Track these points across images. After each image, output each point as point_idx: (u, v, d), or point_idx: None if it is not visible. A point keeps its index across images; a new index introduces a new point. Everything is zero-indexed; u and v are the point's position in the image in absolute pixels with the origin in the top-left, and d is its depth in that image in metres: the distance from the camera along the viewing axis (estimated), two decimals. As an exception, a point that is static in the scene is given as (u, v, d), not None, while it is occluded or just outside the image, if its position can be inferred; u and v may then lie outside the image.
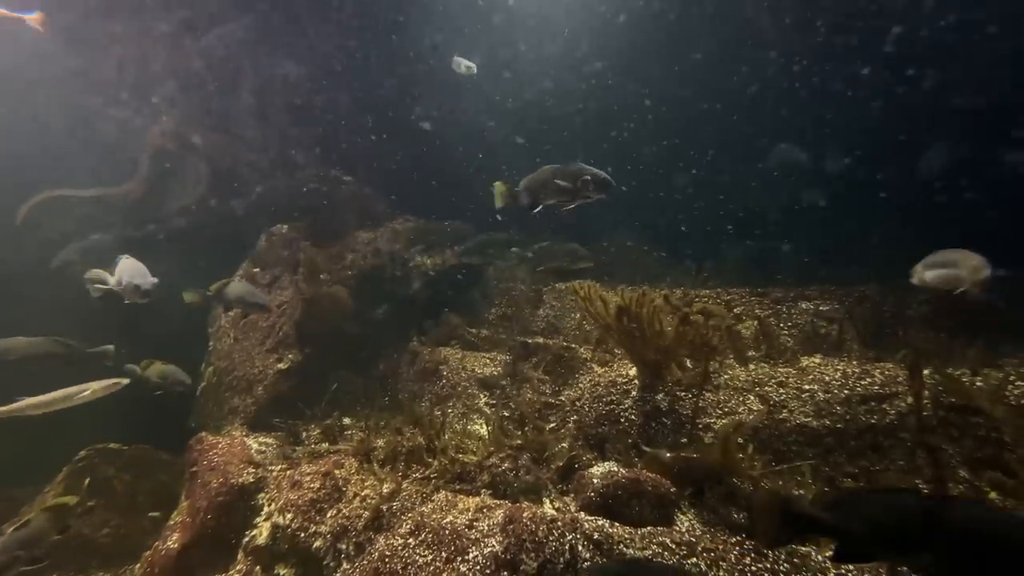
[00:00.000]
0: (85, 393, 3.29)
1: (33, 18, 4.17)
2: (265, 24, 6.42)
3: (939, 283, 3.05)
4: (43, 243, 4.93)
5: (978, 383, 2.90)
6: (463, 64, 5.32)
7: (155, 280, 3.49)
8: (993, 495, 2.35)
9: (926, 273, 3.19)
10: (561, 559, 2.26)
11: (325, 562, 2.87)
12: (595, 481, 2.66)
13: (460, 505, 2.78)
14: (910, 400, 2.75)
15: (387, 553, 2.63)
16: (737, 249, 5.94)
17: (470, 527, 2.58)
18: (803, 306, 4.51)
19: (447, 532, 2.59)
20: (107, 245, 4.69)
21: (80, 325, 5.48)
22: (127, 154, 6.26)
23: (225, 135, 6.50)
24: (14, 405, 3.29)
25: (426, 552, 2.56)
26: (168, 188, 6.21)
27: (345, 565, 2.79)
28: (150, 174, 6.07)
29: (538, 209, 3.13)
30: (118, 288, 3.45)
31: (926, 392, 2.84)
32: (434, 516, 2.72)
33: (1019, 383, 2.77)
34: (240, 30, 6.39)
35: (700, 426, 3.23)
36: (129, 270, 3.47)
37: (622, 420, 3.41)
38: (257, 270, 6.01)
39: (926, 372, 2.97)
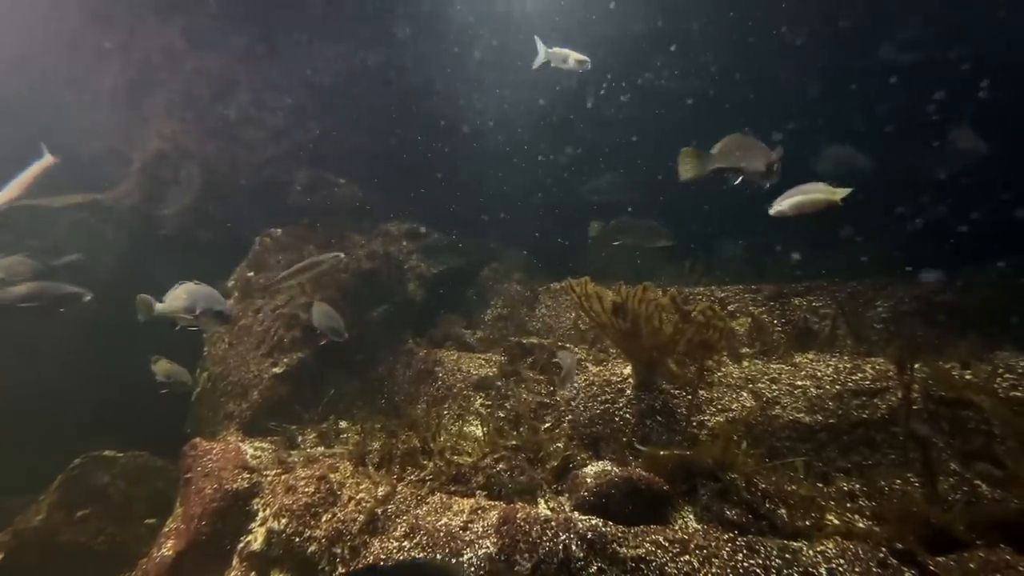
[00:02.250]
0: None
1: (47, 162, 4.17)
2: (261, 29, 6.42)
3: (795, 210, 3.24)
4: (32, 253, 4.90)
5: (968, 376, 2.92)
6: (571, 58, 4.06)
7: (231, 304, 3.47)
8: (983, 487, 2.37)
9: (783, 203, 3.39)
10: (555, 559, 2.26)
11: (320, 567, 2.87)
12: (589, 481, 2.67)
13: (455, 507, 2.78)
14: (901, 394, 2.76)
15: (382, 557, 2.63)
16: (731, 246, 5.95)
17: (465, 529, 2.58)
18: (796, 302, 4.52)
19: (442, 534, 2.59)
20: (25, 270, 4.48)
21: (78, 331, 5.47)
22: (118, 159, 6.25)
23: (220, 139, 6.48)
24: None
25: (421, 555, 2.56)
26: (163, 192, 6.19)
27: (340, 569, 2.79)
28: (144, 179, 6.06)
29: (738, 180, 2.94)
30: (194, 316, 3.31)
31: (916, 386, 2.86)
32: (429, 518, 2.72)
33: (1008, 375, 2.79)
34: (236, 35, 6.38)
35: (694, 424, 3.24)
36: (205, 296, 3.35)
37: (617, 419, 3.41)
38: (252, 274, 5.99)
39: (916, 366, 2.98)
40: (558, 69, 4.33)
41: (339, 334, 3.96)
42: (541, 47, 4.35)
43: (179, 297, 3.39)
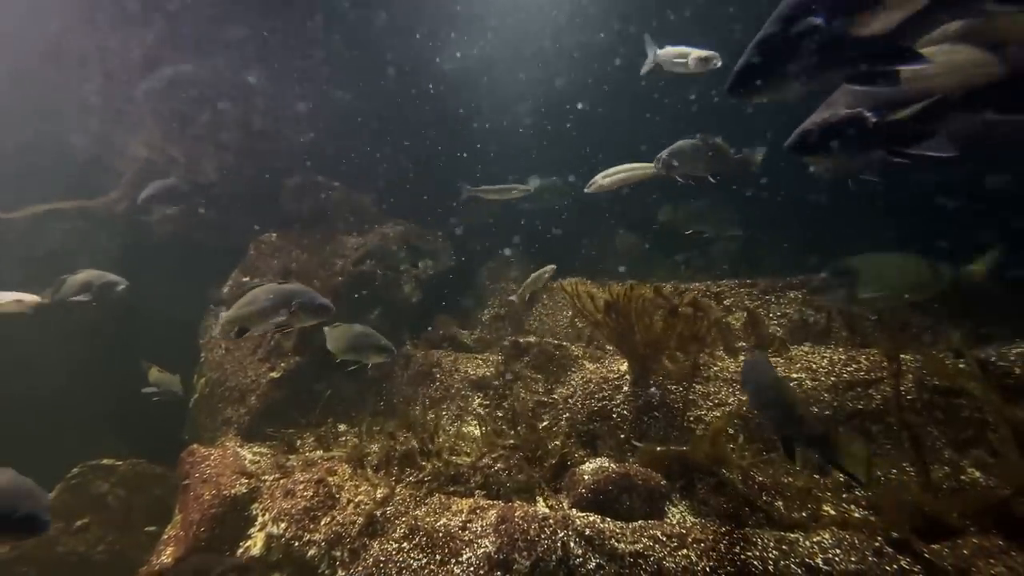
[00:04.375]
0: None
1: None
2: (251, 33, 6.40)
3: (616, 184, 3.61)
4: (25, 260, 4.88)
5: (961, 365, 2.94)
6: (692, 57, 3.30)
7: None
8: (977, 474, 2.38)
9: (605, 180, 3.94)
10: (553, 556, 2.27)
11: (320, 570, 2.86)
12: (586, 478, 2.67)
13: (454, 507, 2.79)
14: (891, 384, 2.78)
15: (381, 558, 2.63)
16: (726, 241, 5.96)
17: (463, 528, 2.58)
18: (791, 296, 4.54)
19: (441, 535, 2.60)
20: None
21: (75, 339, 5.45)
22: (103, 166, 6.22)
23: (211, 144, 6.46)
24: None
25: (420, 556, 2.56)
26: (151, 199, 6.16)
27: (340, 572, 2.78)
28: (134, 185, 6.03)
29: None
30: (289, 313, 2.95)
31: (911, 375, 2.88)
32: (428, 519, 2.72)
33: (1001, 364, 2.81)
34: (226, 39, 6.36)
35: (691, 419, 3.25)
36: (296, 292, 2.98)
37: (614, 416, 3.42)
38: (247, 279, 5.98)
39: (910, 356, 3.00)
40: (672, 72, 3.42)
41: (389, 352, 3.41)
42: (651, 49, 3.49)
43: (257, 299, 2.99)
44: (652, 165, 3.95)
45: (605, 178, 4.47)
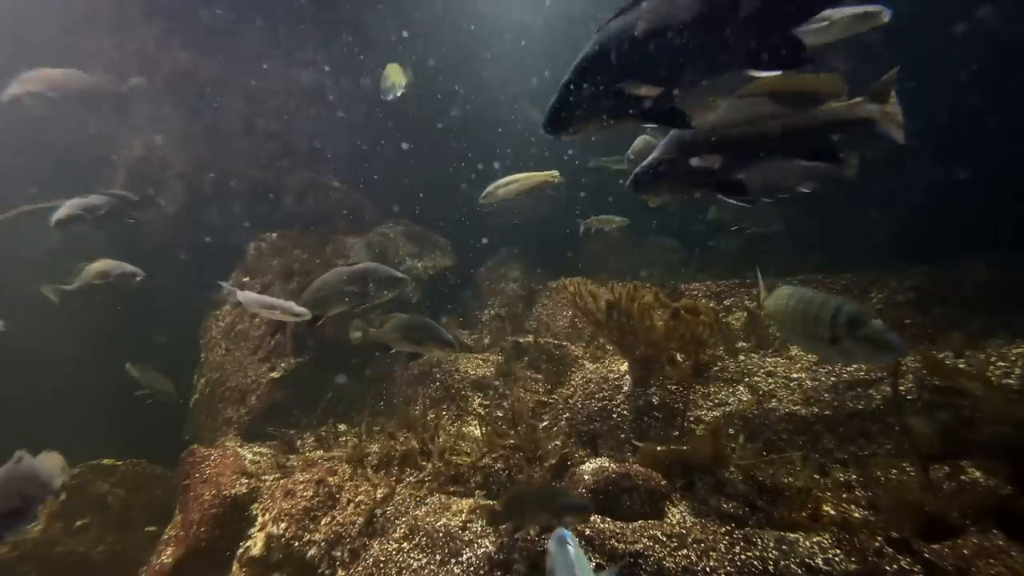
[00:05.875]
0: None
1: None
2: (250, 32, 6.40)
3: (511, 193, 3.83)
4: (26, 260, 4.88)
5: (961, 364, 2.94)
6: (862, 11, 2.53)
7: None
8: (976, 474, 2.38)
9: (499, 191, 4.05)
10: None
11: (320, 570, 2.86)
12: (586, 478, 2.67)
13: (454, 507, 2.79)
14: (890, 384, 2.78)
15: (381, 559, 2.63)
16: (725, 240, 5.96)
17: (464, 529, 2.59)
18: (791, 295, 4.54)
19: (441, 535, 2.60)
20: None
21: (76, 339, 5.44)
22: (108, 165, 6.21)
23: (209, 143, 6.46)
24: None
25: (420, 556, 2.56)
26: (151, 198, 6.16)
27: (340, 572, 2.79)
28: (128, 186, 6.03)
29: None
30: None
31: (911, 375, 2.88)
32: (428, 519, 2.73)
33: (1000, 364, 2.81)
34: (227, 39, 6.36)
35: (691, 419, 3.25)
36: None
37: (614, 416, 3.42)
38: (247, 279, 5.98)
39: (910, 356, 3.00)
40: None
41: (451, 346, 3.29)
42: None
43: (329, 283, 2.97)
44: (546, 174, 4.31)
45: (499, 188, 4.58)
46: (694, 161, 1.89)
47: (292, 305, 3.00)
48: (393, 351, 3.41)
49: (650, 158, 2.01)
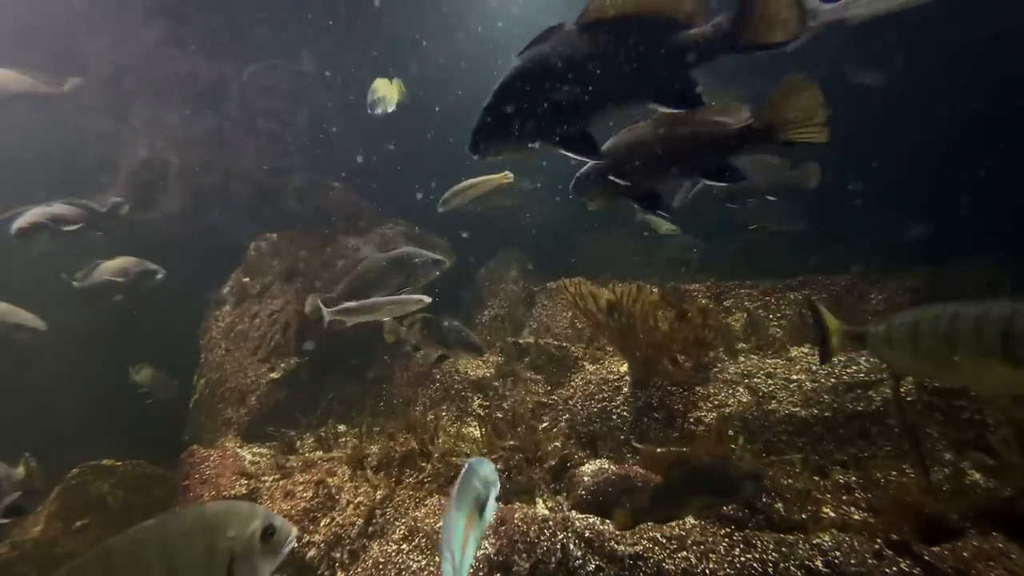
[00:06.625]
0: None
1: None
2: (250, 31, 6.40)
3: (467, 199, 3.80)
4: (26, 260, 4.89)
5: (961, 367, 2.94)
6: None
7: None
8: (977, 476, 2.38)
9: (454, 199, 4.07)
10: (553, 558, 2.27)
11: (320, 571, 2.87)
12: (586, 479, 2.67)
13: (453, 508, 2.79)
14: (890, 385, 2.78)
15: (381, 560, 2.63)
16: (726, 240, 5.96)
17: (463, 530, 2.58)
18: (792, 296, 4.54)
19: (440, 536, 2.59)
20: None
21: (76, 339, 5.45)
22: (110, 166, 6.22)
23: (210, 144, 6.47)
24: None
25: (420, 557, 2.56)
26: (152, 199, 6.17)
27: (340, 574, 2.79)
28: (130, 187, 6.03)
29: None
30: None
31: (910, 377, 2.87)
32: (427, 521, 2.73)
33: (1001, 365, 2.81)
34: (225, 39, 6.36)
35: (691, 420, 3.24)
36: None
37: (614, 417, 3.42)
38: (247, 279, 5.98)
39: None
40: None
41: (479, 351, 3.24)
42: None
43: (370, 269, 2.98)
44: (499, 176, 4.31)
45: (455, 196, 4.56)
46: (610, 176, 2.07)
47: (407, 298, 2.94)
48: (421, 352, 3.39)
49: (586, 167, 2.18)
